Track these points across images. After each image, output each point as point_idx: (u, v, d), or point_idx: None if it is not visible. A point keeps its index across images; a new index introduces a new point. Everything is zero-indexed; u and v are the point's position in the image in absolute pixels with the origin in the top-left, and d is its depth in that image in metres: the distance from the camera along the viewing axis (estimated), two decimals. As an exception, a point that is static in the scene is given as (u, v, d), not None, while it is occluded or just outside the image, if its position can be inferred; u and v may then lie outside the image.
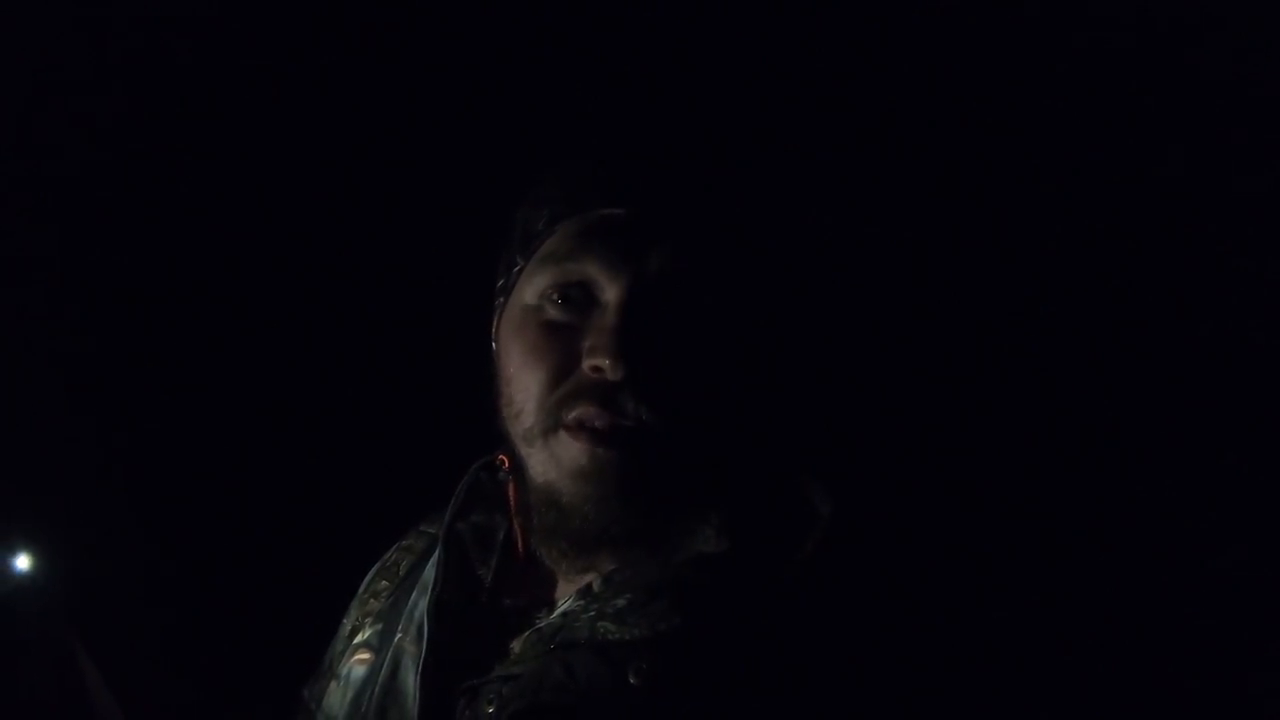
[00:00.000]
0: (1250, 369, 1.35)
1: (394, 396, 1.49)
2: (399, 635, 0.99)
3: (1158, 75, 1.38)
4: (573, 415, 0.88)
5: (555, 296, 0.91)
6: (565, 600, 0.93)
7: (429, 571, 1.01)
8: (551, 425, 0.89)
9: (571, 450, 0.88)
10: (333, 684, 1.03)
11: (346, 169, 1.49)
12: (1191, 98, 1.38)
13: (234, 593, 1.44)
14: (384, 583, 1.08)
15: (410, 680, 0.94)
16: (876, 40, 1.44)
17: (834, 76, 1.44)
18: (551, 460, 0.90)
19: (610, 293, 0.89)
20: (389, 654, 0.98)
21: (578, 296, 0.90)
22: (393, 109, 1.49)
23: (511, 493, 0.99)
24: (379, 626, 1.03)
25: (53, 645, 0.93)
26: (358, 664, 1.02)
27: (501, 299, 0.99)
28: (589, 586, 0.92)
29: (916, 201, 1.43)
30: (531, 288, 0.93)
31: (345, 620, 1.09)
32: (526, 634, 0.91)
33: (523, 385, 0.91)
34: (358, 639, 1.04)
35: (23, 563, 0.94)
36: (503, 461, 1.00)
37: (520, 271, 0.96)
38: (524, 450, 0.93)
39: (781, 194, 1.07)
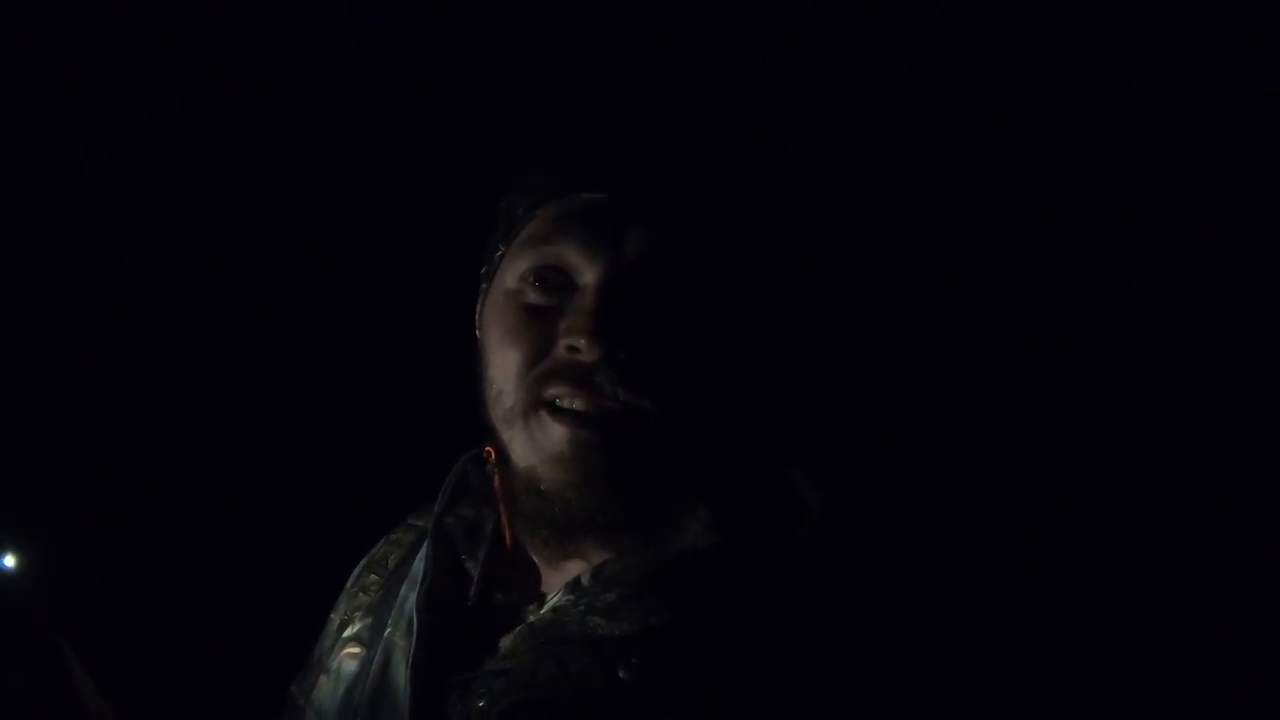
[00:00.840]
0: (1250, 369, 1.34)
1: (380, 389, 1.48)
2: (389, 629, 0.99)
3: (1157, 73, 1.38)
4: (550, 392, 0.88)
5: (534, 279, 0.91)
6: (554, 594, 0.92)
7: (418, 565, 1.00)
8: (531, 404, 0.89)
9: (553, 434, 0.88)
10: (323, 678, 1.03)
11: (333, 162, 1.49)
12: (1192, 98, 1.38)
13: (220, 589, 1.44)
14: (373, 576, 1.07)
15: (401, 674, 0.94)
16: (865, 26, 1.44)
17: (820, 63, 1.44)
18: (531, 444, 0.89)
19: (588, 275, 0.89)
20: (380, 648, 0.98)
21: (556, 279, 0.91)
22: (379, 103, 1.49)
23: (499, 485, 0.98)
24: (369, 620, 1.02)
25: (39, 644, 0.93)
26: (348, 658, 1.01)
27: (484, 285, 0.99)
28: (578, 580, 0.91)
29: (910, 192, 1.43)
30: (512, 272, 0.94)
31: (334, 615, 1.08)
32: (517, 629, 0.91)
33: (501, 365, 0.91)
34: (347, 633, 1.03)
35: (8, 561, 0.94)
36: (489, 454, 1.00)
37: (502, 257, 0.96)
38: (505, 434, 0.92)
39: (765, 181, 1.06)
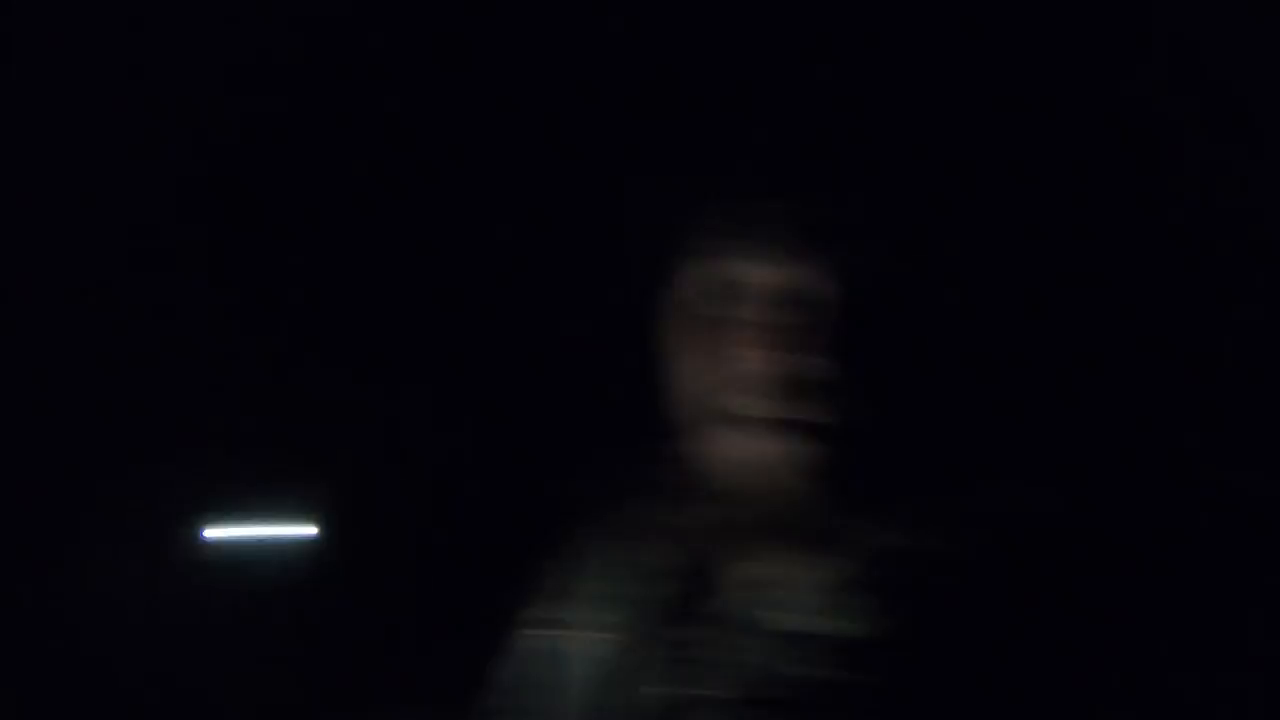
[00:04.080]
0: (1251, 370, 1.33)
1: (565, 387, 1.53)
2: (595, 622, 1.00)
3: (1157, 73, 1.34)
4: (736, 404, 0.88)
5: (711, 291, 0.91)
6: (734, 592, 0.92)
7: (613, 560, 1.01)
8: (717, 416, 0.89)
9: (739, 445, 0.88)
10: (553, 663, 1.02)
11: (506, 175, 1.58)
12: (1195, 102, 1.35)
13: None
14: (591, 567, 1.06)
15: (610, 670, 0.95)
16: (895, 38, 1.38)
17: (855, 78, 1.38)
18: (717, 454, 0.90)
19: (769, 288, 0.89)
20: (590, 641, 0.99)
21: (736, 292, 0.90)
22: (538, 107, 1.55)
23: (680, 487, 0.97)
24: (586, 612, 1.02)
25: None
26: (571, 644, 1.02)
27: (662, 291, 0.98)
28: (763, 579, 0.91)
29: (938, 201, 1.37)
30: (690, 281, 0.93)
31: (561, 604, 1.06)
32: (692, 626, 0.92)
33: (683, 375, 0.92)
34: (574, 621, 1.03)
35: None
36: (672, 453, 0.97)
37: (679, 264, 0.95)
38: (690, 443, 0.92)
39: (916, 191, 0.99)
